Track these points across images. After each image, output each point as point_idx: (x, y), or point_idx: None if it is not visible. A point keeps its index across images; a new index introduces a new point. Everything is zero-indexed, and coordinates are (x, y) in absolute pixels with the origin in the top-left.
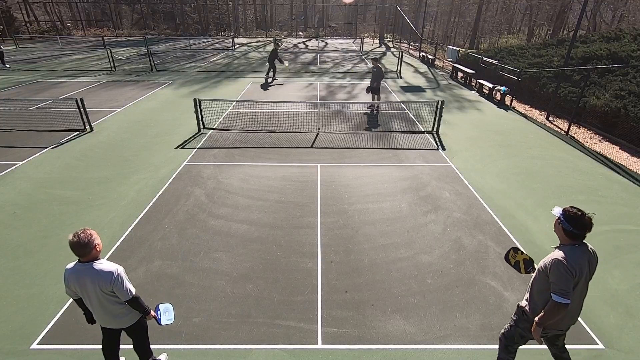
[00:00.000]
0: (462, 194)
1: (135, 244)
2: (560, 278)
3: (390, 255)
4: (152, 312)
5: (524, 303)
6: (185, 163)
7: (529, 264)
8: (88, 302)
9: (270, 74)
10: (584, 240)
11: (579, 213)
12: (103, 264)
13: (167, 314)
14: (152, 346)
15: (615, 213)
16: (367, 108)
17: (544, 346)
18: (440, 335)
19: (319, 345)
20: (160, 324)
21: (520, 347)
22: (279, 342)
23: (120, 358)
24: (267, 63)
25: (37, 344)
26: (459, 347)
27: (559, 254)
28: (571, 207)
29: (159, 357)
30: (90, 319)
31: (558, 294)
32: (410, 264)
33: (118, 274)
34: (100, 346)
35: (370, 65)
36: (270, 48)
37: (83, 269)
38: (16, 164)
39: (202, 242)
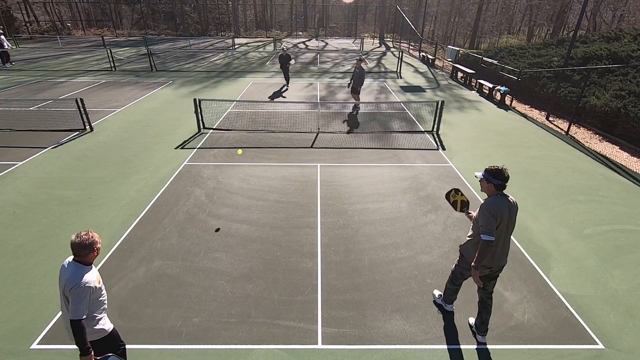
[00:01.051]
0: None
1: (135, 244)
2: (485, 220)
3: (390, 255)
4: (93, 357)
5: (462, 247)
6: (185, 163)
7: (464, 205)
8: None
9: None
10: (504, 192)
11: (499, 168)
12: (84, 269)
13: None
14: (152, 346)
15: (615, 213)
16: (353, 109)
17: (546, 346)
18: (440, 335)
19: (319, 345)
20: None
21: (519, 347)
22: (279, 342)
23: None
24: (282, 71)
25: (37, 344)
26: (459, 347)
27: (484, 203)
28: (490, 166)
29: None
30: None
31: (485, 233)
32: (410, 264)
33: (83, 286)
34: None
35: (355, 65)
36: (269, 48)
37: (72, 265)
38: (16, 164)
39: (202, 242)
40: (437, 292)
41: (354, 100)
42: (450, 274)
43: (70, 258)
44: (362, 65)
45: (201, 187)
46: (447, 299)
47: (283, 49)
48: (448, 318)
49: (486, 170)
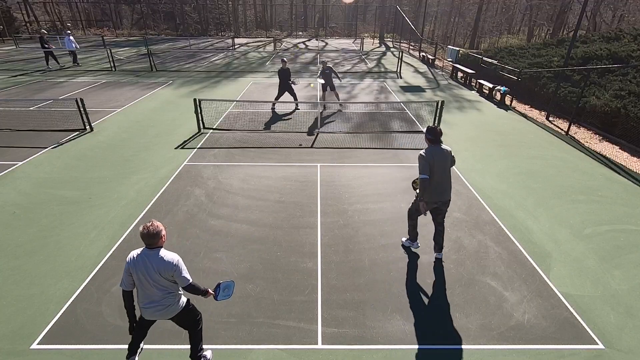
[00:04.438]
0: (462, 194)
1: (135, 244)
2: (420, 164)
3: (390, 255)
4: (210, 291)
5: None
6: (185, 163)
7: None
8: (141, 291)
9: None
10: (441, 145)
11: (432, 126)
12: (166, 253)
13: (226, 290)
14: (152, 346)
15: (615, 213)
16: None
17: (546, 346)
18: (440, 335)
19: (319, 345)
20: (216, 299)
21: (519, 347)
22: (279, 342)
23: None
24: (285, 89)
25: (37, 344)
26: (459, 347)
27: (420, 153)
28: (432, 124)
29: (205, 353)
30: (132, 328)
31: (420, 172)
32: (410, 264)
33: (178, 262)
34: (100, 346)
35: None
36: (269, 48)
37: (151, 254)
38: (16, 164)
39: (202, 242)
40: (403, 238)
41: (339, 100)
42: (408, 211)
43: (139, 250)
44: (327, 65)
45: (201, 187)
46: (411, 237)
47: (283, 60)
48: (448, 318)
49: (427, 127)
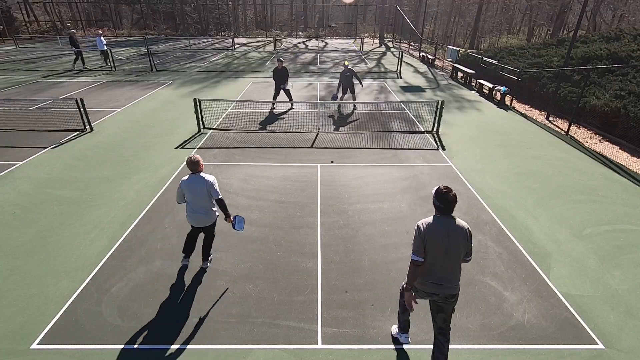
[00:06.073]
0: (462, 194)
1: (135, 244)
2: (415, 240)
3: (390, 255)
4: (231, 218)
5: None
6: (185, 163)
7: None
8: (190, 204)
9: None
10: (453, 219)
11: (443, 190)
12: (206, 175)
13: (240, 224)
14: (152, 346)
15: (615, 213)
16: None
17: (546, 346)
18: None
19: (319, 345)
20: (234, 228)
21: (520, 347)
22: (279, 342)
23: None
24: (281, 90)
25: (37, 344)
26: (459, 347)
27: (419, 221)
28: (440, 186)
29: (210, 257)
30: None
31: (412, 252)
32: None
33: (214, 181)
34: (100, 346)
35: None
36: (269, 48)
37: (195, 176)
38: (16, 164)
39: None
40: (394, 328)
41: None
42: (400, 292)
43: (187, 176)
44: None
45: None
46: (400, 325)
47: (279, 60)
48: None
49: (436, 189)
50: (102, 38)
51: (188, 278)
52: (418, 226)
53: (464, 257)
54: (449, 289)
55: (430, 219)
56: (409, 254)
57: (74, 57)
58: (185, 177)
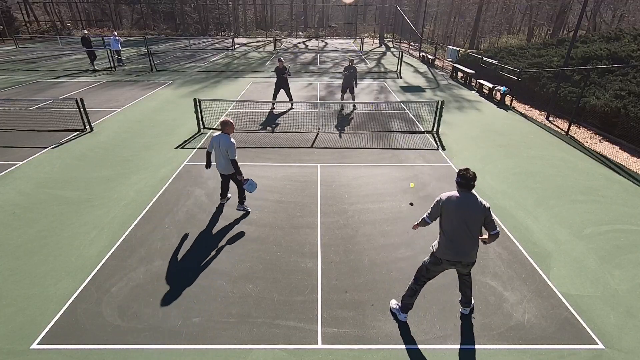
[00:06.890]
0: None
1: (135, 244)
2: (433, 206)
3: (390, 255)
4: (241, 177)
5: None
6: (185, 163)
7: None
8: (215, 155)
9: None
10: (472, 192)
11: (464, 169)
12: (229, 138)
13: (250, 186)
14: (152, 346)
15: (615, 213)
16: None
17: (546, 346)
18: (440, 335)
19: (319, 345)
20: (244, 187)
21: (520, 347)
22: (279, 342)
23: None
24: (280, 87)
25: (37, 344)
26: (459, 347)
27: (442, 193)
28: (464, 168)
29: (245, 203)
30: (208, 165)
31: (427, 214)
32: (410, 264)
33: (233, 144)
34: (100, 346)
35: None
36: (269, 48)
37: (221, 135)
38: (16, 164)
39: (203, 242)
40: (393, 302)
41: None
42: (416, 271)
43: (218, 132)
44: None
45: (201, 187)
46: (403, 304)
47: (280, 59)
48: (448, 318)
49: (459, 170)
50: (117, 37)
51: (188, 278)
52: (440, 196)
53: (490, 230)
54: (466, 257)
55: (452, 192)
56: (409, 254)
57: (89, 58)
58: (217, 134)
